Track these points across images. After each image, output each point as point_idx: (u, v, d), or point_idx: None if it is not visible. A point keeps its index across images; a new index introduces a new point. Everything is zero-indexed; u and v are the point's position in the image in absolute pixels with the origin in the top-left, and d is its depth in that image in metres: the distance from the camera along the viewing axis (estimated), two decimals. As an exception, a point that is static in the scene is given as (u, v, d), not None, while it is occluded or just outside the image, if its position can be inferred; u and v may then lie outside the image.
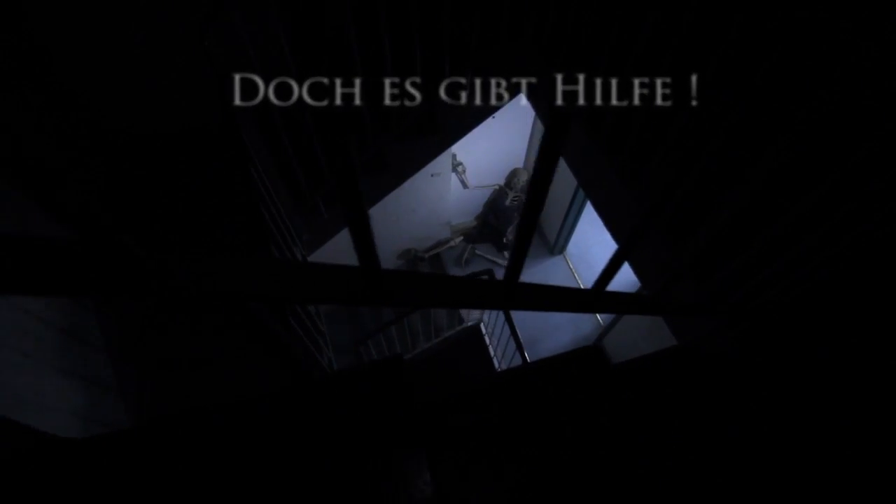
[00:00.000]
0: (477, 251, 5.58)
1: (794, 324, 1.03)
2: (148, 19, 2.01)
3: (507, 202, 5.23)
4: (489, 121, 2.49)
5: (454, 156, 4.80)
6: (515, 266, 0.56)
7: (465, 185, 5.10)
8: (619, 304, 0.78)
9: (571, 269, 5.25)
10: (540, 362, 0.90)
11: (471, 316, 4.87)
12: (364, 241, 0.40)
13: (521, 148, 5.05)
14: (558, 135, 0.41)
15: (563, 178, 4.65)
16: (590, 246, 5.29)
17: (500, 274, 3.93)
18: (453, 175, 4.89)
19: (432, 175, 4.54)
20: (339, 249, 2.22)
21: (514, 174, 5.22)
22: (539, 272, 5.23)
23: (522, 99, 2.42)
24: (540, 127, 4.59)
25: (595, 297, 0.72)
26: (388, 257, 5.21)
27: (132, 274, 0.29)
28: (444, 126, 2.29)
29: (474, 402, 0.91)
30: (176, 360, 2.12)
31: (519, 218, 0.48)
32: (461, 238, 5.67)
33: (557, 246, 5.28)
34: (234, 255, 0.37)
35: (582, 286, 2.47)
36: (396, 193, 2.62)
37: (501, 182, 5.33)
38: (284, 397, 0.62)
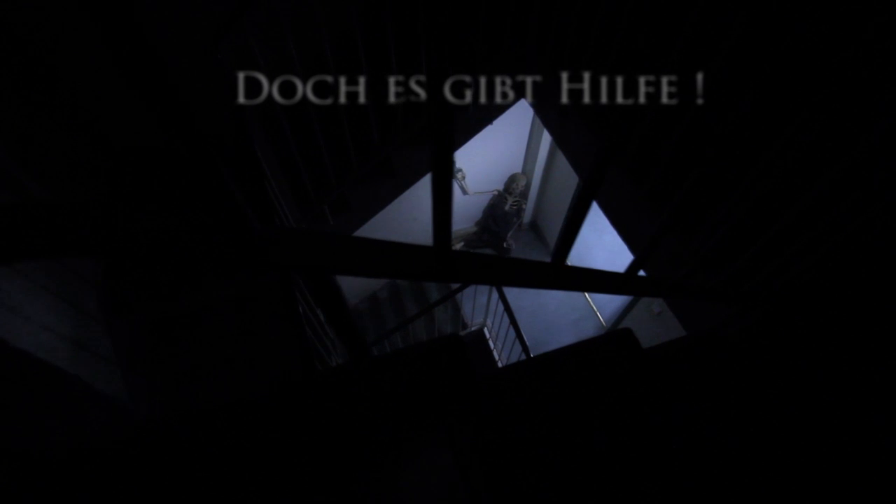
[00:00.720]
0: (477, 256, 5.61)
1: (807, 311, 1.07)
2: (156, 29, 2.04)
3: (507, 207, 5.28)
4: (487, 126, 2.54)
5: (453, 162, 4.85)
6: (563, 251, 0.59)
7: (464, 192, 5.15)
8: (648, 286, 0.81)
9: (572, 272, 5.30)
10: (570, 347, 0.93)
11: (474, 321, 4.89)
12: (443, 225, 0.43)
13: (520, 153, 5.12)
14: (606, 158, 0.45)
15: (563, 182, 4.71)
16: (590, 248, 5.34)
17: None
18: (453, 181, 4.93)
19: (432, 182, 4.57)
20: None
21: (512, 179, 5.28)
22: (540, 275, 5.26)
23: (521, 102, 2.47)
24: (538, 130, 4.65)
25: (627, 280, 0.75)
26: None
27: (251, 246, 0.32)
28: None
29: (504, 384, 0.93)
30: (186, 371, 2.12)
31: (567, 211, 0.51)
32: (462, 244, 5.70)
33: (557, 249, 5.33)
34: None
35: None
36: (398, 201, 2.64)
37: (500, 187, 5.38)
38: (346, 373, 0.65)
